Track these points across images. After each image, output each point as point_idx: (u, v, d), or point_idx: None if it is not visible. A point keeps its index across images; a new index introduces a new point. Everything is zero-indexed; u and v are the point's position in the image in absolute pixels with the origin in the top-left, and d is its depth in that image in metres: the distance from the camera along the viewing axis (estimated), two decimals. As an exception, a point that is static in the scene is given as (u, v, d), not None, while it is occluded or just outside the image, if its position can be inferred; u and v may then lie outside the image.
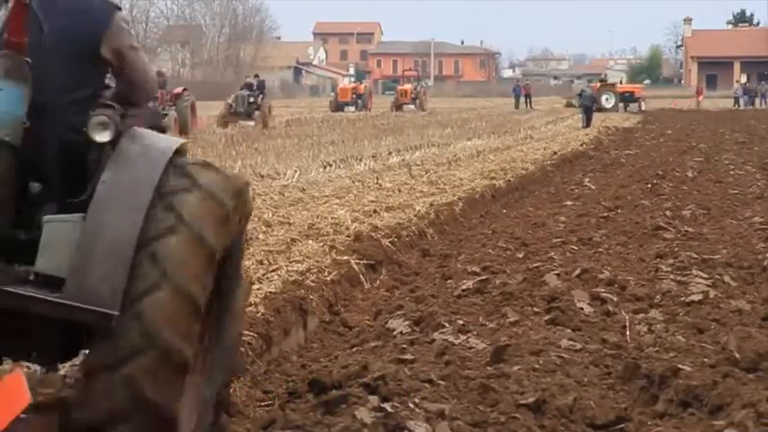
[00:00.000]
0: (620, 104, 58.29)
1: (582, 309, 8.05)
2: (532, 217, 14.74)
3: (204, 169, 4.40)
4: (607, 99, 58.48)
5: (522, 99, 67.87)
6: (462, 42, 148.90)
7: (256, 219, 11.47)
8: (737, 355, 6.22)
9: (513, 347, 6.75)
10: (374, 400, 5.24)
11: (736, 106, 69.49)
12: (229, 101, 40.46)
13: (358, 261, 10.33)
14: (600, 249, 11.32)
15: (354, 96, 60.38)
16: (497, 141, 30.69)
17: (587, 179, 20.09)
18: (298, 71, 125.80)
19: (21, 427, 3.57)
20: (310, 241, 10.70)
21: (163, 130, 4.94)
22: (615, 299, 8.52)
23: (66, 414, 4.15)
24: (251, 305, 7.37)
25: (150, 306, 4.06)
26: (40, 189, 4.46)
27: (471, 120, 45.30)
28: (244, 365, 6.40)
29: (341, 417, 4.90)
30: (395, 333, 7.58)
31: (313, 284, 8.92)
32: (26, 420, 3.71)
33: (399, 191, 16.18)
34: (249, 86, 41.12)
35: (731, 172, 20.98)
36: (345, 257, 10.24)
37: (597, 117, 42.89)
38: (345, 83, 72.22)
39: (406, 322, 7.77)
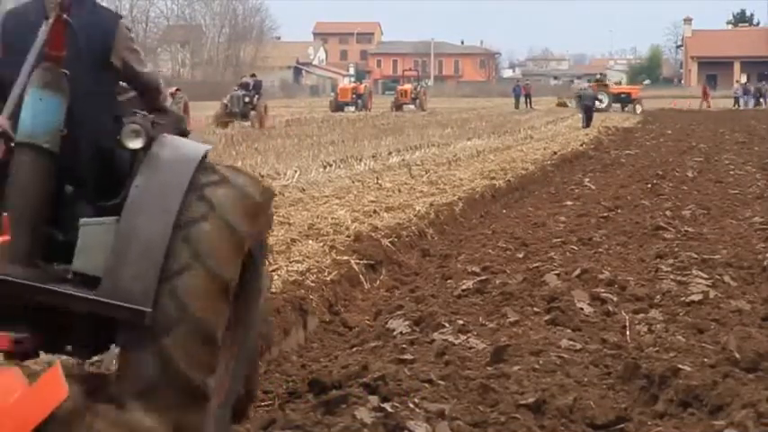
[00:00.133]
0: (616, 105, 57.90)
1: (582, 309, 8.05)
2: (532, 217, 14.74)
3: (233, 170, 4.70)
4: (600, 100, 58.35)
5: (522, 99, 67.86)
6: (462, 42, 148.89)
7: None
8: (737, 355, 6.22)
9: (513, 347, 6.75)
10: (374, 400, 5.24)
11: (736, 106, 69.45)
12: (225, 101, 40.34)
13: (358, 261, 10.33)
14: (600, 249, 11.32)
15: (354, 96, 60.34)
16: (497, 141, 30.69)
17: (587, 179, 20.09)
18: (298, 71, 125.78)
19: None
20: (310, 241, 10.70)
21: (185, 133, 5.17)
22: (615, 299, 8.52)
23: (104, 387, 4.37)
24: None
25: (183, 284, 4.32)
26: (75, 193, 4.74)
27: (471, 120, 45.29)
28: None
29: (341, 417, 4.90)
30: (395, 333, 7.58)
31: (313, 284, 8.92)
32: None
33: (399, 191, 16.18)
34: (245, 86, 40.94)
35: (731, 172, 20.98)
36: (345, 257, 10.24)
37: (597, 117, 42.90)
38: (345, 83, 72.18)
39: (406, 322, 7.77)
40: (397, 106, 59.83)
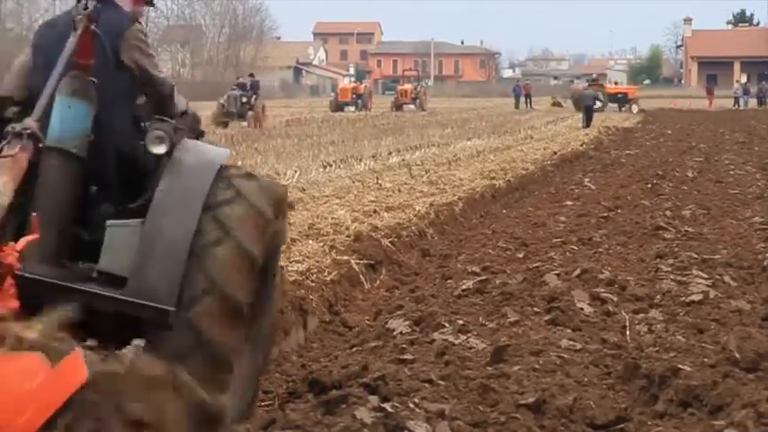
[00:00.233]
0: (613, 105, 57.88)
1: (582, 309, 8.05)
2: (532, 217, 14.74)
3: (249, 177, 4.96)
4: (600, 100, 58.34)
5: (523, 99, 67.87)
6: (462, 42, 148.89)
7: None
8: (737, 355, 6.22)
9: (513, 347, 6.75)
10: (374, 400, 5.24)
11: (736, 106, 69.44)
12: (222, 101, 40.24)
13: (358, 261, 10.33)
14: (600, 249, 11.32)
15: (354, 96, 60.33)
16: (497, 141, 30.69)
17: (587, 179, 20.09)
18: (298, 71, 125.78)
19: None
20: (310, 241, 10.70)
21: (201, 133, 5.48)
22: (615, 299, 8.52)
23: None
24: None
25: (212, 258, 4.58)
26: (101, 195, 4.96)
27: (471, 120, 45.29)
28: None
29: (341, 417, 4.90)
30: (395, 333, 7.58)
31: (313, 284, 8.92)
32: None
33: (399, 191, 16.18)
34: (242, 86, 40.78)
35: (731, 172, 20.97)
36: (345, 257, 10.24)
37: (597, 117, 42.91)
38: (345, 83, 72.17)
39: (406, 322, 7.77)
40: (397, 106, 59.81)
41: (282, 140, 29.49)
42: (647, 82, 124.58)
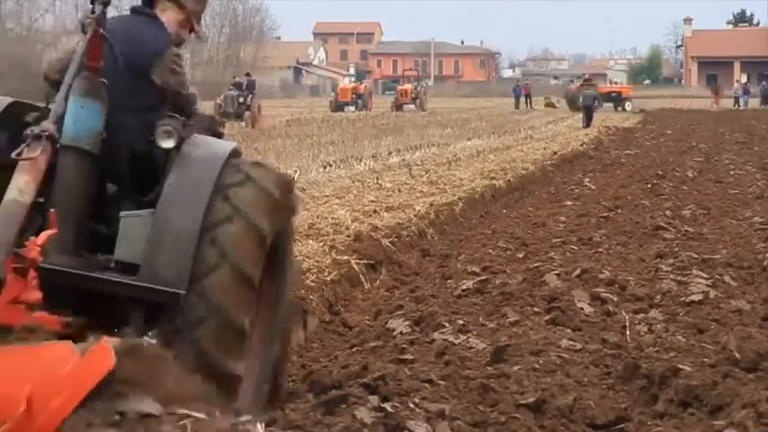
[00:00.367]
0: (608, 105, 57.93)
1: (582, 309, 8.05)
2: (532, 217, 14.74)
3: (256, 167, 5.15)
4: (597, 99, 58.35)
5: (523, 99, 67.86)
6: (462, 42, 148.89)
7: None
8: (737, 355, 6.22)
9: (513, 347, 6.74)
10: (374, 400, 5.24)
11: (736, 106, 69.43)
12: (218, 101, 40.10)
13: (358, 261, 10.34)
14: (600, 249, 11.32)
15: (354, 96, 60.31)
16: (497, 141, 30.70)
17: (587, 179, 20.09)
18: (298, 71, 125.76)
19: None
20: (310, 241, 10.70)
21: (219, 135, 5.66)
22: (615, 299, 8.52)
23: None
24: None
25: (222, 233, 4.81)
26: (116, 190, 5.25)
27: (471, 120, 45.29)
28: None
29: (341, 417, 4.90)
30: (395, 333, 7.57)
31: (313, 284, 8.93)
32: None
33: (399, 191, 16.18)
34: (238, 86, 40.58)
35: (731, 172, 20.97)
36: (345, 257, 10.24)
37: (597, 117, 42.89)
38: (345, 83, 72.16)
39: (406, 322, 7.77)
40: (398, 106, 59.78)
41: (282, 140, 29.50)
42: (647, 82, 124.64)
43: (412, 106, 59.96)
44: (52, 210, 4.64)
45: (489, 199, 17.09)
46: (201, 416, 4.05)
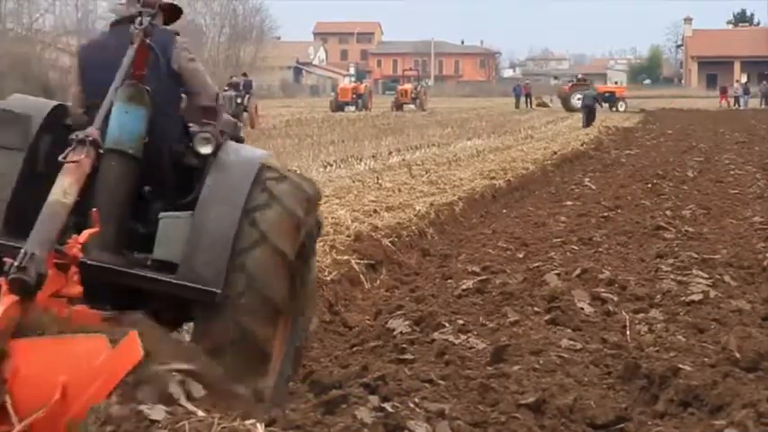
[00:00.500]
0: (604, 104, 58.00)
1: (582, 309, 8.04)
2: (533, 217, 14.75)
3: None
4: (579, 99, 58.46)
5: (523, 99, 67.87)
6: (462, 42, 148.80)
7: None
8: (738, 355, 6.22)
9: (513, 347, 6.74)
10: (374, 400, 5.23)
11: (737, 106, 69.42)
12: (216, 101, 39.97)
13: (358, 261, 10.34)
14: (600, 249, 11.32)
15: (354, 96, 60.27)
16: (497, 141, 30.71)
17: (587, 179, 20.09)
18: (298, 71, 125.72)
19: None
20: (310, 241, 10.69)
21: (240, 139, 5.94)
22: (615, 299, 8.52)
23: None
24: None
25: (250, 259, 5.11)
26: (154, 192, 5.52)
27: (471, 120, 45.30)
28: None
29: (341, 417, 4.89)
30: (395, 333, 7.57)
31: (313, 284, 8.91)
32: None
33: (399, 191, 16.19)
34: (235, 86, 40.41)
35: (731, 172, 20.97)
36: (345, 257, 10.25)
37: (596, 117, 42.87)
38: (346, 83, 72.11)
39: (406, 322, 7.77)
40: (398, 106, 59.78)
41: (282, 140, 29.50)
42: (647, 82, 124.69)
43: (412, 106, 59.95)
44: (94, 209, 4.94)
45: (489, 199, 17.09)
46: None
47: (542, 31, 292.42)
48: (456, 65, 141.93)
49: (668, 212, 14.35)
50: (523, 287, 8.91)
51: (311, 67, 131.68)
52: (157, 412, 4.40)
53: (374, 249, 10.98)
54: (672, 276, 9.38)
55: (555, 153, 25.34)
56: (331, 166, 20.85)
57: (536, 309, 8.14)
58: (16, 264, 4.28)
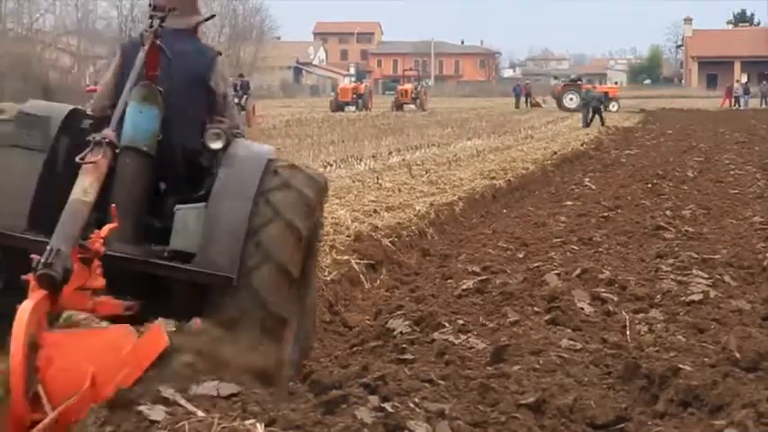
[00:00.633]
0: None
1: (582, 309, 8.04)
2: (533, 217, 14.74)
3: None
4: (571, 99, 58.61)
5: (523, 99, 67.85)
6: (462, 42, 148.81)
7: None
8: (738, 355, 6.22)
9: (513, 347, 6.74)
10: (374, 400, 5.22)
11: (737, 106, 69.41)
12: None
13: (358, 261, 10.34)
14: (600, 249, 11.32)
15: (355, 96, 60.26)
16: (497, 141, 30.71)
17: (587, 179, 20.09)
18: (298, 71, 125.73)
19: None
20: (310, 241, 10.69)
21: (243, 136, 6.19)
22: (615, 299, 8.52)
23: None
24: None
25: (266, 235, 5.44)
26: (169, 187, 5.82)
27: (471, 120, 45.31)
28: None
29: (341, 417, 4.89)
30: (395, 333, 7.57)
31: (313, 284, 8.91)
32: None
33: (399, 191, 16.19)
34: (233, 87, 40.63)
35: (731, 172, 20.97)
36: (345, 257, 10.25)
37: (598, 118, 42.85)
38: (346, 83, 72.10)
39: (406, 322, 7.76)
40: (398, 106, 59.77)
41: (282, 140, 29.50)
42: (647, 82, 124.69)
43: (412, 106, 59.94)
44: (113, 205, 5.19)
45: (489, 199, 17.09)
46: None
47: (542, 31, 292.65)
48: (456, 65, 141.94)
49: (668, 212, 14.35)
50: (523, 287, 8.90)
51: (311, 67, 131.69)
52: (157, 412, 4.41)
53: (374, 249, 10.98)
54: (672, 276, 9.37)
55: (555, 153, 25.34)
56: (331, 166, 20.85)
57: (536, 309, 8.14)
58: (43, 260, 4.53)
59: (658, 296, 8.63)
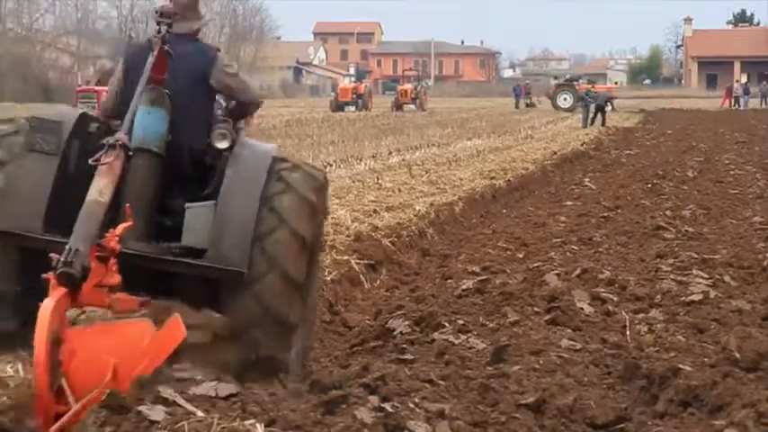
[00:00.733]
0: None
1: (582, 309, 8.04)
2: (532, 217, 14.75)
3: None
4: (565, 99, 58.62)
5: (523, 98, 67.79)
6: (462, 42, 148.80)
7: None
8: (737, 355, 6.22)
9: (513, 347, 6.74)
10: (374, 400, 5.23)
11: (737, 106, 69.41)
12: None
13: (358, 261, 10.34)
14: (600, 249, 11.32)
15: (354, 96, 60.18)
16: (497, 141, 30.70)
17: (587, 179, 20.10)
18: (298, 71, 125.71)
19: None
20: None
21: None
22: (615, 299, 8.52)
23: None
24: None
25: (271, 242, 5.64)
26: (177, 186, 5.97)
27: (471, 120, 45.29)
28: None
29: (341, 417, 4.89)
30: (395, 333, 7.57)
31: (313, 284, 8.91)
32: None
33: (399, 191, 16.18)
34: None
35: (731, 172, 20.97)
36: (345, 257, 10.24)
37: (599, 118, 42.84)
38: (345, 83, 72.03)
39: (406, 322, 7.76)
40: (398, 106, 59.72)
41: (282, 140, 29.47)
42: (647, 82, 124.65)
43: (412, 106, 59.90)
44: (127, 204, 5.41)
45: (489, 199, 17.09)
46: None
47: (542, 31, 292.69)
48: (456, 65, 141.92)
49: (668, 212, 14.35)
50: (523, 287, 8.90)
51: (311, 67, 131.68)
52: (157, 413, 4.41)
53: (374, 249, 10.98)
54: (672, 276, 9.37)
55: (555, 153, 25.35)
56: (331, 166, 20.84)
57: (536, 309, 8.13)
58: (62, 259, 4.71)
59: (658, 296, 8.62)
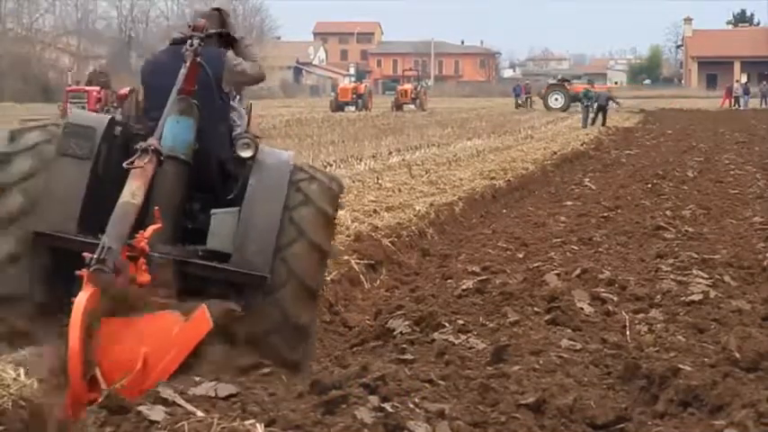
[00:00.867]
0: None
1: (582, 309, 8.04)
2: (532, 217, 14.75)
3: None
4: (556, 99, 58.62)
5: (523, 98, 67.76)
6: (462, 42, 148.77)
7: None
8: (737, 355, 6.22)
9: (513, 347, 6.74)
10: (374, 400, 5.23)
11: (737, 106, 69.42)
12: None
13: (358, 261, 10.34)
14: (600, 249, 11.32)
15: (354, 96, 60.19)
16: (497, 141, 30.71)
17: (587, 179, 20.10)
18: (298, 71, 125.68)
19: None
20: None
21: None
22: (615, 299, 8.52)
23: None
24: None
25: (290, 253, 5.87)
26: (203, 191, 6.21)
27: (471, 120, 45.29)
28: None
29: (341, 417, 4.89)
30: (395, 333, 7.57)
31: (313, 284, 8.90)
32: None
33: (399, 191, 16.19)
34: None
35: (731, 172, 20.98)
36: (345, 257, 10.24)
37: (599, 118, 42.83)
38: (345, 83, 72.03)
39: (406, 322, 7.76)
40: (398, 106, 59.71)
41: (282, 140, 29.47)
42: (647, 82, 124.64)
43: (412, 106, 59.90)
44: (156, 208, 5.59)
45: (489, 199, 17.09)
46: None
47: (542, 31, 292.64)
48: (456, 65, 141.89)
49: (668, 212, 14.35)
50: (523, 287, 8.90)
51: (311, 67, 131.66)
52: (157, 413, 4.41)
53: (374, 249, 10.98)
54: (672, 276, 9.37)
55: (555, 153, 25.35)
56: (331, 166, 20.84)
57: (536, 309, 8.14)
58: (96, 256, 4.95)
59: (658, 296, 8.62)
